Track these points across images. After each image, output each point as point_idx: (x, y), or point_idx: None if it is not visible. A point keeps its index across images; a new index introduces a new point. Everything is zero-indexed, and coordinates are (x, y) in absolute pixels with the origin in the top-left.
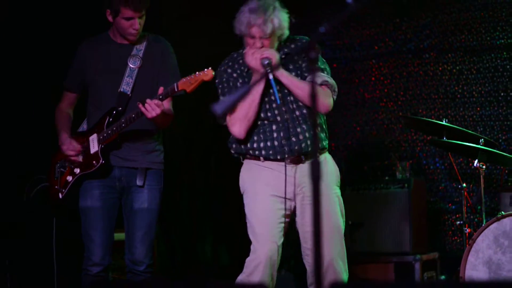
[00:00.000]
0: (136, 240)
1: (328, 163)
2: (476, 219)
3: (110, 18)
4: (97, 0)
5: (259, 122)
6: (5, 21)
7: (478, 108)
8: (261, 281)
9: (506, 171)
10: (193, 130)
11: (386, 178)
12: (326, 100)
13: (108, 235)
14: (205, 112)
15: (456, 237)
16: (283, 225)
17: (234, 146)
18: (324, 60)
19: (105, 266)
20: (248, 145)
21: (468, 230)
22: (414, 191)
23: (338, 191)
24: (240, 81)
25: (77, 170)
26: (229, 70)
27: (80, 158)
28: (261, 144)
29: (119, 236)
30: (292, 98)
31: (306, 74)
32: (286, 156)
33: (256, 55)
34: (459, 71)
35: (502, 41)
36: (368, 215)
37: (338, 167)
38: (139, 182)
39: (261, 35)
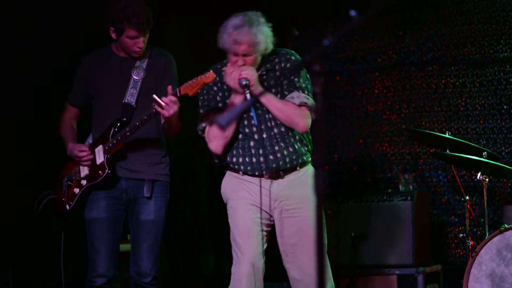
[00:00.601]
0: (142, 251)
1: (309, 176)
2: (479, 232)
3: (113, 36)
4: (100, 11)
5: (239, 136)
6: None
7: (481, 121)
8: None
9: (510, 184)
10: (196, 142)
11: (389, 190)
12: (304, 121)
13: (114, 246)
14: None
15: (459, 250)
16: (264, 233)
17: (215, 159)
18: (307, 76)
19: (110, 278)
20: (228, 159)
21: (471, 242)
22: (417, 204)
23: None
24: (220, 94)
25: (83, 182)
26: (215, 88)
27: (91, 156)
28: (240, 159)
29: (123, 247)
30: (270, 115)
31: (286, 93)
32: (264, 173)
33: (234, 75)
34: (462, 84)
35: (506, 54)
36: (371, 227)
37: (342, 179)
38: (146, 194)
39: (245, 53)
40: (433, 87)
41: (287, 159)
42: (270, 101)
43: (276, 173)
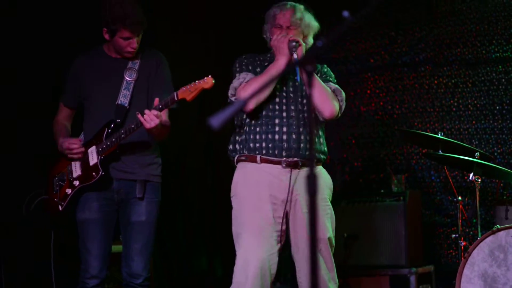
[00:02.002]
0: (134, 252)
1: (322, 176)
2: (471, 232)
3: (107, 37)
4: (93, 11)
5: (264, 113)
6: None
7: (474, 121)
8: None
9: (502, 185)
10: (188, 142)
11: (382, 191)
12: (333, 105)
13: (106, 247)
14: (201, 125)
15: (451, 250)
16: (278, 233)
17: (233, 144)
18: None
19: (102, 279)
20: (251, 136)
21: (463, 243)
22: (409, 204)
23: (330, 204)
24: (259, 69)
25: (76, 183)
26: (250, 59)
27: (83, 149)
28: (263, 136)
29: (115, 248)
30: (304, 100)
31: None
32: (284, 153)
33: (283, 38)
34: (455, 84)
35: (498, 54)
36: (363, 228)
37: (333, 180)
38: (138, 195)
39: (287, 25)
40: (425, 88)
41: (308, 145)
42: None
43: (295, 162)
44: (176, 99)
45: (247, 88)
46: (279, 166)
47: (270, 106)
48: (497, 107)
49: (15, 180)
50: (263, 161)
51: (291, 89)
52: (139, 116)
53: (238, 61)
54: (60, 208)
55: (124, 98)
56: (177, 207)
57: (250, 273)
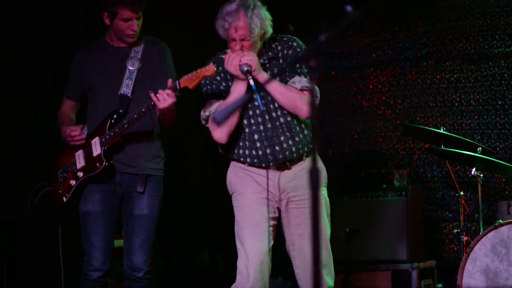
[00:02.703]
0: (135, 246)
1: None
2: (473, 227)
3: (107, 21)
4: (94, 5)
5: (243, 127)
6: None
7: (476, 117)
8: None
9: (504, 180)
10: (190, 136)
11: (384, 186)
12: (306, 105)
13: (109, 240)
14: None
15: (453, 245)
16: (271, 228)
17: (220, 150)
18: None
19: (105, 272)
20: (234, 151)
21: (465, 238)
22: (411, 199)
23: (325, 192)
24: (224, 84)
25: (80, 174)
26: (215, 78)
27: (83, 136)
28: (246, 152)
29: (117, 242)
30: (275, 105)
31: (288, 78)
32: (271, 164)
33: (234, 62)
34: (457, 79)
35: (500, 49)
36: (365, 223)
37: (336, 174)
38: (139, 189)
39: (241, 38)
40: (427, 83)
41: (293, 149)
42: (273, 86)
43: (283, 164)
44: (178, 87)
45: (215, 127)
46: (268, 170)
47: (245, 122)
48: (500, 102)
49: (17, 176)
50: (251, 165)
51: (263, 101)
52: (152, 95)
53: (203, 82)
54: (65, 199)
55: (126, 88)
56: (179, 201)
57: (251, 268)
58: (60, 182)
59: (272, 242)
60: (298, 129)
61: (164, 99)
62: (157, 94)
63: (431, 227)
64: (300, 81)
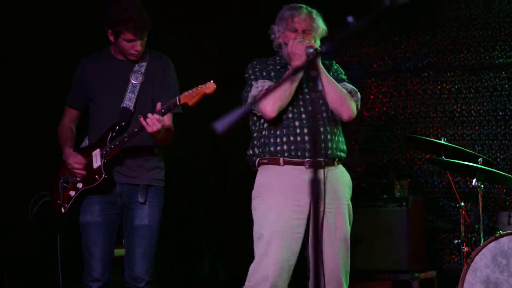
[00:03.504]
0: (136, 256)
1: (344, 174)
2: (474, 238)
3: (111, 38)
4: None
5: (283, 116)
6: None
7: (477, 127)
8: None
9: (504, 190)
10: (192, 146)
11: (385, 196)
12: (351, 107)
13: (109, 250)
14: (205, 129)
15: (454, 256)
16: (298, 234)
17: (252, 148)
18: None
19: (105, 282)
20: (271, 140)
21: (466, 249)
22: (412, 209)
23: (350, 203)
24: (273, 74)
25: (80, 185)
26: (262, 64)
27: (84, 172)
28: (284, 139)
29: (118, 252)
30: (321, 101)
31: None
32: (306, 154)
33: (300, 44)
34: (458, 90)
35: (501, 60)
36: (366, 233)
37: None
38: (140, 199)
39: (303, 29)
40: (428, 93)
41: (330, 145)
42: (328, 78)
43: (318, 162)
44: (178, 103)
45: (268, 96)
46: (302, 167)
47: (289, 108)
48: (500, 113)
49: (18, 183)
50: (286, 163)
51: (306, 90)
52: (141, 119)
53: (250, 68)
54: (63, 210)
55: (129, 101)
56: (180, 211)
57: (270, 273)
58: (60, 192)
59: (298, 249)
60: (336, 131)
61: (153, 123)
62: (147, 119)
63: (431, 238)
64: (347, 86)
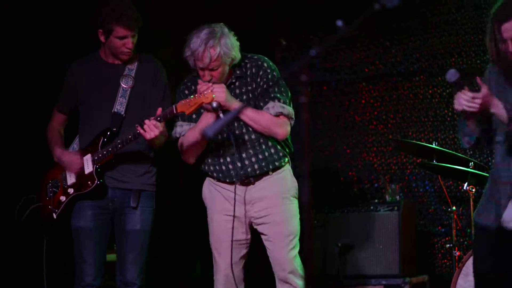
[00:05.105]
0: (128, 261)
1: (282, 178)
2: (466, 242)
3: (102, 39)
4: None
5: (211, 144)
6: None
7: None
8: None
9: None
10: None
11: (376, 200)
12: (282, 129)
13: (100, 255)
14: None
15: (445, 260)
16: (239, 242)
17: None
18: (283, 83)
19: (97, 287)
20: (202, 166)
21: (457, 253)
22: (403, 214)
23: (294, 201)
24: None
25: (71, 190)
26: (186, 92)
27: (80, 168)
28: (211, 167)
29: (110, 257)
30: (241, 123)
31: (261, 104)
32: (234, 180)
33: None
34: (449, 94)
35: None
36: (357, 237)
37: (328, 189)
38: (133, 204)
39: (208, 68)
40: (420, 97)
41: (256, 166)
42: (245, 114)
43: (247, 180)
44: (175, 112)
45: (185, 144)
46: (233, 185)
47: (213, 138)
48: None
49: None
50: (218, 180)
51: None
52: (139, 128)
53: (177, 97)
54: (55, 215)
55: (120, 106)
56: (172, 215)
57: (219, 280)
58: (49, 197)
59: (244, 251)
60: (264, 146)
61: (151, 129)
62: (144, 125)
63: (423, 242)
64: (274, 106)
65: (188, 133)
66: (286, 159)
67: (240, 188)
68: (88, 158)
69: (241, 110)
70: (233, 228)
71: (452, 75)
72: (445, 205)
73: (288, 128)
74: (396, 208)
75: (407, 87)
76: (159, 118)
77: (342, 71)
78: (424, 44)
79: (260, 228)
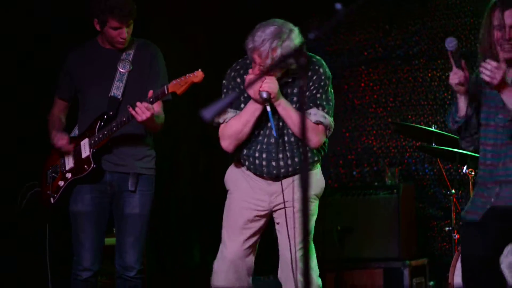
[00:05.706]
0: (127, 245)
1: (313, 178)
2: None
3: (97, 27)
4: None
5: (250, 136)
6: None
7: None
8: (223, 285)
9: None
10: (181, 135)
11: (375, 184)
12: (317, 137)
13: (99, 240)
14: (194, 117)
15: (445, 243)
16: (252, 231)
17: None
18: (331, 91)
19: (95, 272)
20: (237, 153)
21: (457, 236)
22: (403, 197)
23: (315, 200)
24: (245, 95)
25: (68, 175)
26: (238, 79)
27: (71, 148)
28: (245, 157)
29: (109, 241)
30: (281, 123)
31: (305, 107)
32: (265, 175)
33: (255, 86)
34: (448, 77)
35: None
36: (357, 221)
37: (328, 173)
38: (131, 187)
39: (261, 64)
40: (419, 81)
41: (290, 169)
42: (288, 113)
43: (276, 178)
44: (166, 92)
45: (227, 131)
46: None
47: (252, 132)
48: None
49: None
50: (249, 169)
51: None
52: (130, 109)
53: (226, 78)
54: (52, 200)
55: (117, 90)
56: (170, 199)
57: (224, 265)
58: (49, 182)
59: (251, 243)
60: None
61: (143, 112)
62: (136, 108)
63: (423, 225)
64: (316, 114)
65: (231, 121)
66: (318, 164)
67: (268, 182)
68: (85, 143)
69: (280, 107)
70: (253, 218)
71: (450, 42)
72: (445, 188)
73: (323, 138)
74: (395, 191)
75: (406, 71)
76: (151, 100)
77: (341, 55)
78: (424, 28)
79: (275, 214)
